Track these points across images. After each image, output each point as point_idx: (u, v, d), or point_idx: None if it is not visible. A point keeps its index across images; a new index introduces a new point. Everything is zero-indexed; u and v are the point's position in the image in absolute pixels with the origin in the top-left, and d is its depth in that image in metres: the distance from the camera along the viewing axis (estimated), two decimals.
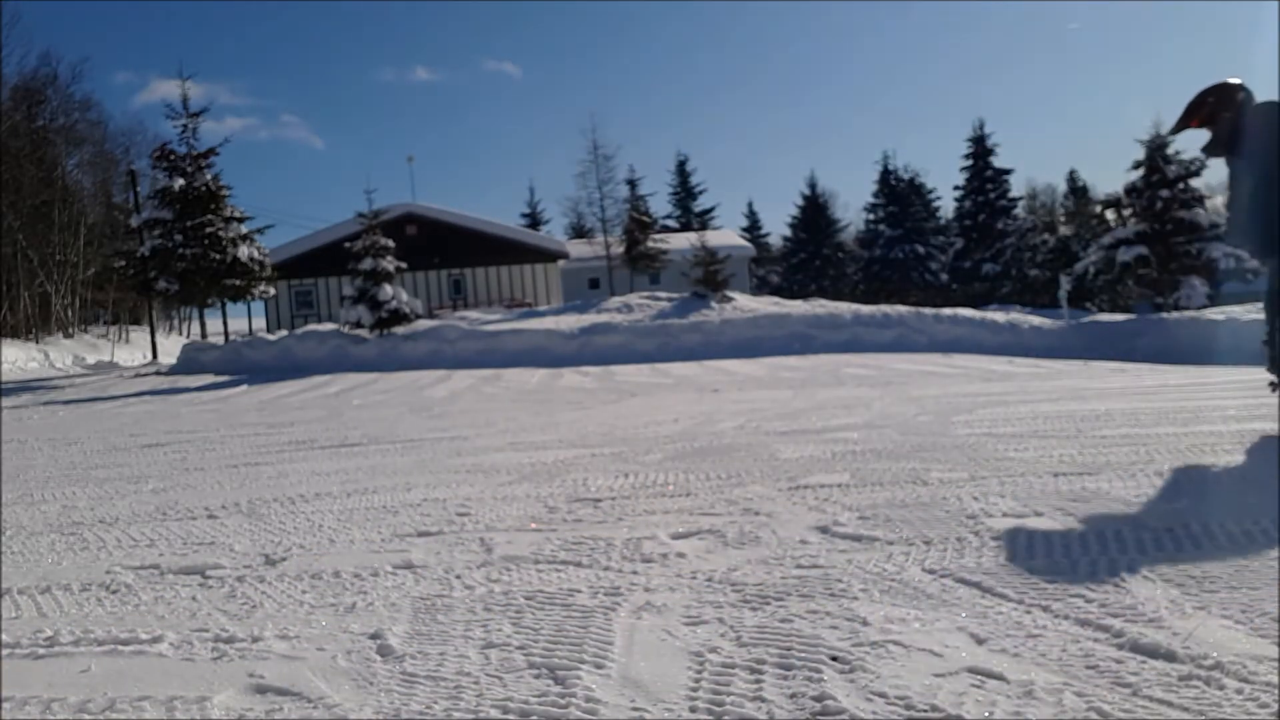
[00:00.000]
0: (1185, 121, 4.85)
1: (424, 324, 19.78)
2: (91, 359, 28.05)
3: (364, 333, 19.23)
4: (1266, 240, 4.64)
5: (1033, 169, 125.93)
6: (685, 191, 52.16)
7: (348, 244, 20.50)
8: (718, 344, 17.67)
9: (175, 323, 44.77)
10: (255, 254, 20.67)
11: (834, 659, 1.90)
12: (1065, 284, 18.91)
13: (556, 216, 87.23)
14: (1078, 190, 51.10)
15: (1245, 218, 4.83)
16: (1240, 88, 4.68)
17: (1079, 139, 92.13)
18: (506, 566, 2.76)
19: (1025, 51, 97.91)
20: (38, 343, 29.31)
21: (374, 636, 2.18)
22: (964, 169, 44.66)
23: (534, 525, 3.32)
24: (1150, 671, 1.77)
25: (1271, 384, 4.89)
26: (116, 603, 2.60)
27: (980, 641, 1.97)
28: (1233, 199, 5.06)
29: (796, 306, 20.35)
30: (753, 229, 52.45)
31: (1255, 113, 4.68)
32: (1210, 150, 4.88)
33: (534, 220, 52.24)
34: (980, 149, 44.42)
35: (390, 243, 20.01)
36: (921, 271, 44.55)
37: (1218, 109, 4.73)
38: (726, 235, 38.65)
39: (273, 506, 3.94)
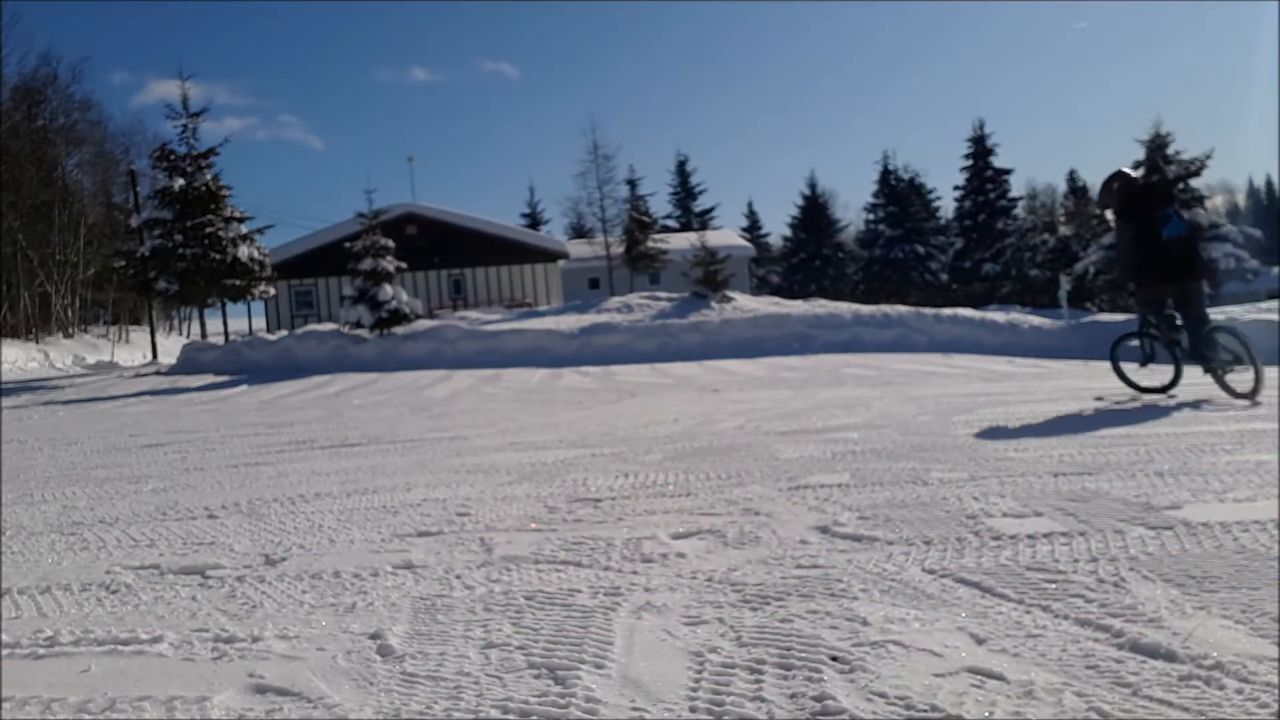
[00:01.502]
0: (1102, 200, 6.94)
1: (424, 324, 19.76)
2: (91, 359, 28.04)
3: (364, 333, 19.23)
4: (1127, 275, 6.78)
5: (1033, 169, 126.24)
6: (685, 191, 52.12)
7: (348, 244, 20.49)
8: (718, 344, 17.66)
9: (175, 323, 44.77)
10: (255, 254, 20.66)
11: (834, 659, 1.90)
12: (1065, 284, 18.83)
13: (556, 216, 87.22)
14: (1078, 190, 51.04)
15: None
16: (1118, 176, 6.59)
17: (1079, 139, 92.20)
18: (506, 566, 2.76)
19: (1025, 51, 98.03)
20: (38, 343, 29.31)
21: (374, 636, 2.18)
22: (964, 169, 44.62)
23: (534, 525, 3.32)
24: (1150, 671, 1.77)
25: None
26: (116, 603, 2.60)
27: (980, 641, 1.97)
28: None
29: (796, 306, 20.33)
30: (753, 229, 52.44)
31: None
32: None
33: (534, 220, 52.22)
34: (980, 149, 44.37)
35: (390, 243, 20.00)
36: (921, 271, 44.52)
37: (1108, 193, 6.70)
38: (726, 235, 38.63)
39: (273, 506, 3.94)
